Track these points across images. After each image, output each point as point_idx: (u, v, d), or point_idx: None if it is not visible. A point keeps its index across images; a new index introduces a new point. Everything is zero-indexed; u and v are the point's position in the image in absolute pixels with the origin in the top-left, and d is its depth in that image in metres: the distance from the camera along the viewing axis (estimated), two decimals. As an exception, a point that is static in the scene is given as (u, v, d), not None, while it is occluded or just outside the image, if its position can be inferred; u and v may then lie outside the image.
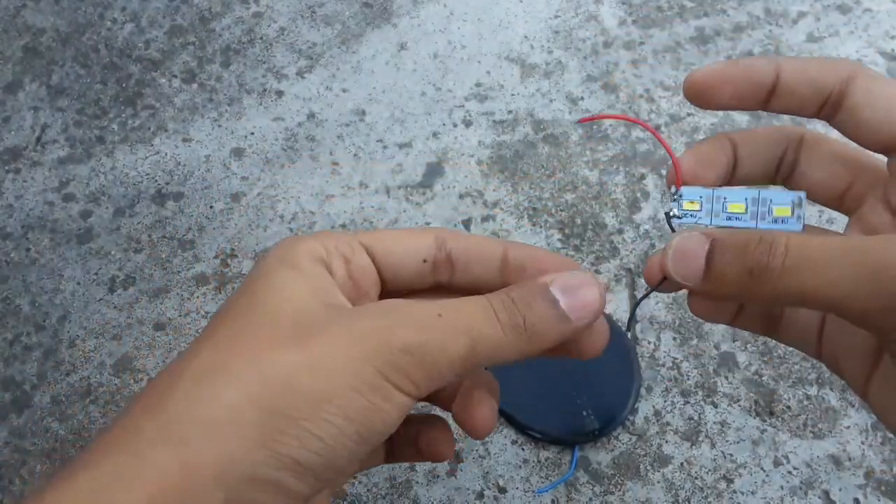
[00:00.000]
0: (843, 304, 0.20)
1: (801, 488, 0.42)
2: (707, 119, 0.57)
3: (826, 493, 0.41)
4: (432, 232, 0.26)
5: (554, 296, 0.23)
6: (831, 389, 0.45)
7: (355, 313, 0.22)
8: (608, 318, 0.47)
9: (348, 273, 0.25)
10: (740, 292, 0.22)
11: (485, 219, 0.53)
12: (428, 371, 0.21)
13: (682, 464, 0.43)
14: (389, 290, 0.26)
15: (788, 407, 0.44)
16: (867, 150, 0.25)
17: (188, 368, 0.21)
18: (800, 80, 0.25)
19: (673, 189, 0.26)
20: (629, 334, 0.47)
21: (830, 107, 0.25)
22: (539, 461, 0.43)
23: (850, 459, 0.42)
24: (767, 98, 0.26)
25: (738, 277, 0.22)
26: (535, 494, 0.41)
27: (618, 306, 0.48)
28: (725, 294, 0.23)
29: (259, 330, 0.21)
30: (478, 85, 0.60)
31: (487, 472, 0.43)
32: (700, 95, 0.26)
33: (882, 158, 0.25)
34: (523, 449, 0.43)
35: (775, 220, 0.25)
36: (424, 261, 0.26)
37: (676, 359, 0.46)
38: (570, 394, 0.44)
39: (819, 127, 0.27)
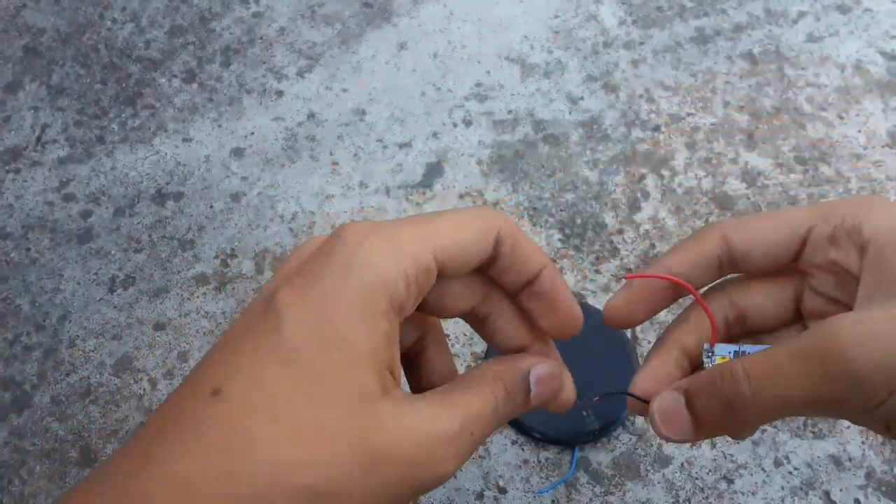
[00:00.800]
0: (810, 403, 0.22)
1: (801, 489, 0.41)
2: (706, 119, 0.57)
3: (827, 493, 0.41)
4: (495, 228, 0.25)
5: (531, 386, 0.26)
6: (832, 389, 0.45)
7: (396, 446, 0.22)
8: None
9: (415, 303, 0.24)
10: (729, 424, 0.24)
11: (485, 219, 0.53)
12: (440, 481, 0.23)
13: (682, 464, 0.43)
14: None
15: (789, 407, 0.44)
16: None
17: (263, 455, 0.20)
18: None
19: (706, 346, 0.27)
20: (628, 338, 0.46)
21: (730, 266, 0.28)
22: (539, 461, 0.43)
23: (850, 460, 0.42)
24: (673, 297, 0.28)
25: (722, 413, 0.24)
26: (536, 495, 0.41)
27: (618, 306, 0.48)
28: (719, 431, 0.25)
29: (327, 430, 0.21)
30: (478, 85, 0.60)
31: (487, 473, 0.43)
32: (621, 322, 0.28)
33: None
34: (523, 449, 0.43)
35: None
36: (481, 262, 0.25)
37: (676, 359, 0.46)
38: None
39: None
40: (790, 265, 0.27)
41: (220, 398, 0.21)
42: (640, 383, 0.27)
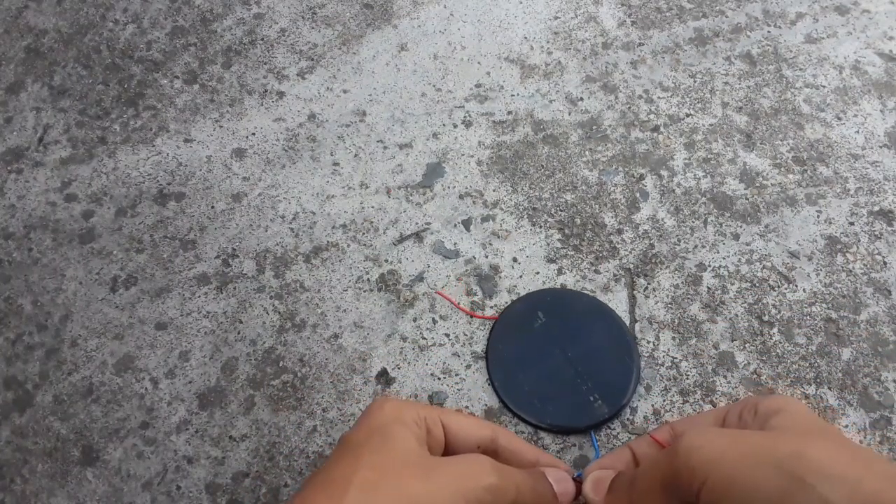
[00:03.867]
0: (666, 481, 0.32)
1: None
2: (705, 120, 0.57)
3: None
4: (490, 428, 0.37)
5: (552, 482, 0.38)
6: (829, 389, 0.45)
7: (452, 461, 0.33)
8: (607, 308, 0.47)
9: (427, 441, 0.35)
10: (630, 497, 0.35)
11: (485, 219, 0.53)
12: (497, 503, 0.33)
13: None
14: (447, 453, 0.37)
15: (787, 406, 0.44)
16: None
17: (353, 481, 0.30)
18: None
19: None
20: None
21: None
22: (539, 460, 0.43)
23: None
24: None
25: (626, 487, 0.35)
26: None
27: (617, 305, 0.48)
28: (623, 500, 0.36)
29: (398, 465, 0.32)
30: (478, 86, 0.60)
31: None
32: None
33: None
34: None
35: None
36: (478, 447, 0.37)
37: (675, 358, 0.46)
38: (575, 382, 0.44)
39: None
40: None
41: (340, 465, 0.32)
42: (590, 469, 0.39)
